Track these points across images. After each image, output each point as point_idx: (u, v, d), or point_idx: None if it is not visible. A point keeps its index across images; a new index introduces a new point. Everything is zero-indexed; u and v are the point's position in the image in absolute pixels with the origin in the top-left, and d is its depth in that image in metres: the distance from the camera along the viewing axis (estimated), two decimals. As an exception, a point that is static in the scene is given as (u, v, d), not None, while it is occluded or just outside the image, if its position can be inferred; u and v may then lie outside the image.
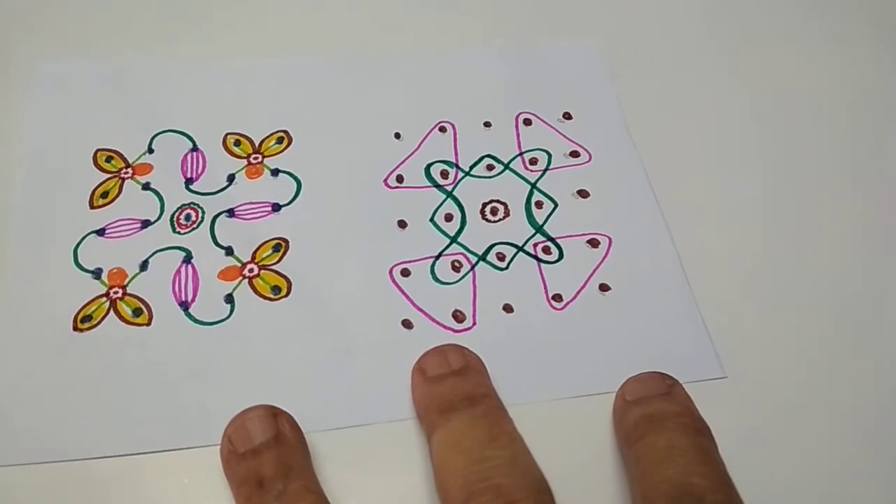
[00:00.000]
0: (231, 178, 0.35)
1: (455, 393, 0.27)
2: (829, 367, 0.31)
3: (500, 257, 0.33)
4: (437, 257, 0.33)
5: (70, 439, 0.28)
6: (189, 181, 0.35)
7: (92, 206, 0.34)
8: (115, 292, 0.31)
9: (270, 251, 0.33)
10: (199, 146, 0.36)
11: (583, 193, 0.35)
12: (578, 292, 0.32)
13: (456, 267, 0.33)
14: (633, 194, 0.35)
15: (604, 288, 0.32)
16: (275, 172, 0.35)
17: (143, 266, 0.32)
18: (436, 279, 0.32)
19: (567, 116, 0.38)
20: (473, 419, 0.26)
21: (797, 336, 0.31)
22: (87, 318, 0.31)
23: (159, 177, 0.35)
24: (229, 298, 0.31)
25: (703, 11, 0.43)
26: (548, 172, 0.36)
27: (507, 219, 0.34)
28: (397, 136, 0.37)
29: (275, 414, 0.27)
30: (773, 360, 0.31)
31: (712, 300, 0.32)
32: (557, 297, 0.32)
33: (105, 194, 0.34)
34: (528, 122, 0.38)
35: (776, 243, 0.34)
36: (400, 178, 0.35)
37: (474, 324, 0.31)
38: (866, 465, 0.29)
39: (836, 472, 0.28)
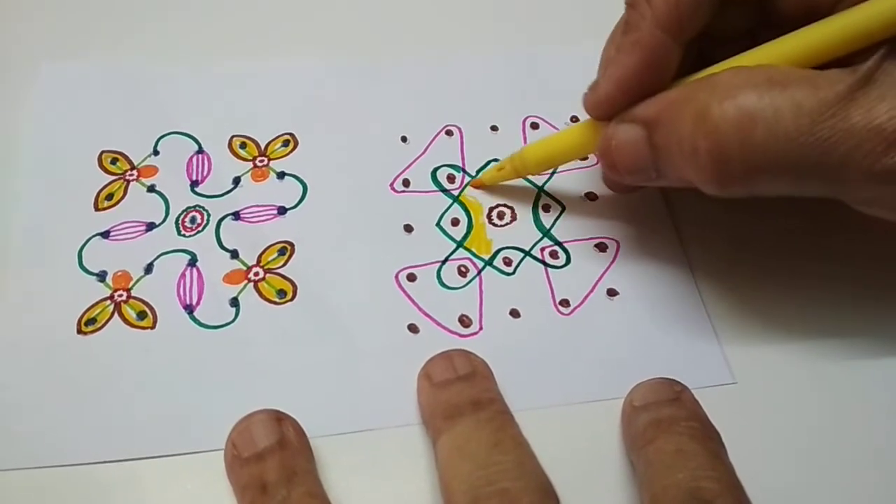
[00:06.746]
0: (237, 181, 0.35)
1: (461, 398, 0.27)
2: (840, 372, 0.30)
3: (507, 262, 0.33)
4: (444, 262, 0.33)
5: (73, 443, 0.28)
6: (194, 183, 0.34)
7: (96, 209, 0.33)
8: (120, 295, 0.31)
9: (276, 255, 0.33)
10: (205, 148, 0.36)
11: (591, 196, 0.35)
12: (586, 297, 0.32)
13: (462, 272, 0.33)
14: (641, 197, 0.35)
15: (612, 293, 0.32)
16: (281, 175, 0.35)
17: (148, 269, 0.32)
18: (442, 284, 0.32)
19: (574, 120, 0.37)
20: (479, 423, 0.26)
21: (807, 341, 0.31)
22: (91, 321, 0.30)
23: (165, 179, 0.35)
24: (234, 302, 0.31)
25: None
26: (555, 176, 0.36)
27: (513, 223, 0.34)
28: (404, 139, 0.36)
29: (279, 418, 0.27)
30: (783, 365, 0.30)
31: (722, 304, 0.32)
32: (565, 303, 0.32)
33: (110, 196, 0.34)
34: (535, 126, 0.37)
35: (787, 248, 0.34)
36: (406, 182, 0.35)
37: (481, 328, 0.31)
38: (875, 473, 0.28)
39: (845, 478, 0.28)
